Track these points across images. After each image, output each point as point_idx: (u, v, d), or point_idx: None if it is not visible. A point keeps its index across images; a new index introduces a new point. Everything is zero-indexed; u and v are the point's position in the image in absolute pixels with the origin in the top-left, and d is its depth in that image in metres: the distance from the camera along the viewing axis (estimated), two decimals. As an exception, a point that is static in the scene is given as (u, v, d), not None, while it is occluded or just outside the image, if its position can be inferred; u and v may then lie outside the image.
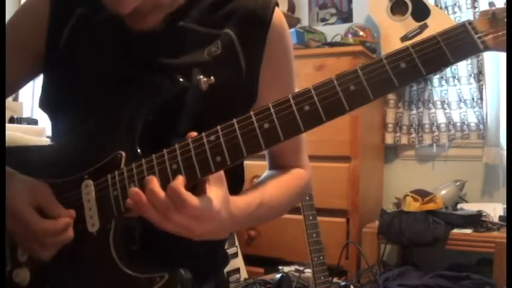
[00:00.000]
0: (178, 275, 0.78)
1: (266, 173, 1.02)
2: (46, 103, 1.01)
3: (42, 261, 0.84)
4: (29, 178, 0.86)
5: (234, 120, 0.75)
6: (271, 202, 0.91)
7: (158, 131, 0.87)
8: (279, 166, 1.02)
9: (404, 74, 0.72)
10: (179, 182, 0.74)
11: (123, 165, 0.82)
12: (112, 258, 0.80)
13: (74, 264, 0.84)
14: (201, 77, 0.86)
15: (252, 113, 0.75)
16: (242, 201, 0.84)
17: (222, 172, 0.77)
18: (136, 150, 0.84)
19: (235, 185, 1.04)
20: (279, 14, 0.97)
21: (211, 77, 0.87)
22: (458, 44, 0.72)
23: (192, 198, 0.73)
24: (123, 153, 0.83)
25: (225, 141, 0.75)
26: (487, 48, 0.72)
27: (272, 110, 0.74)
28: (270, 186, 0.94)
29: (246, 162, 1.07)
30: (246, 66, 0.93)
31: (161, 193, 0.74)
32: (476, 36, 0.72)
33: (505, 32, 0.71)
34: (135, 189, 0.75)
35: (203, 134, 0.76)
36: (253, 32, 0.94)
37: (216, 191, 0.76)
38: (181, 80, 0.86)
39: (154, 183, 0.75)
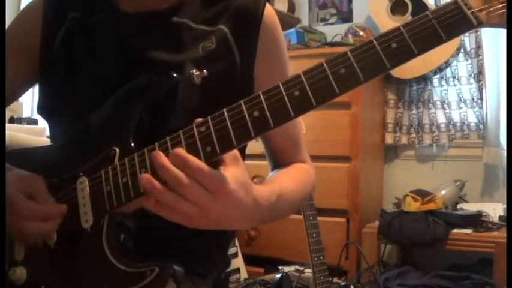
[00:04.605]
0: (170, 269, 0.77)
1: (273, 171, 1.01)
2: (44, 108, 1.02)
3: (38, 260, 0.84)
4: (23, 171, 0.87)
5: (224, 110, 0.75)
6: (288, 194, 0.89)
7: (153, 127, 0.87)
8: (282, 165, 1.02)
9: (395, 54, 0.70)
10: (179, 149, 0.72)
11: (116, 160, 0.83)
12: (104, 253, 0.80)
13: (69, 262, 0.84)
14: (194, 70, 0.86)
15: (242, 101, 0.74)
16: (266, 190, 0.81)
17: (237, 152, 0.75)
18: (130, 146, 0.84)
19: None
20: (270, 10, 0.99)
21: (204, 71, 0.86)
22: (451, 20, 0.70)
23: (197, 160, 0.71)
24: (117, 149, 0.84)
25: (215, 131, 0.74)
26: (480, 23, 0.70)
27: (262, 97, 0.73)
28: (283, 179, 0.92)
29: (246, 162, 1.07)
30: (241, 60, 0.94)
31: (170, 165, 0.71)
32: (470, 12, 0.69)
33: (499, 6, 0.70)
34: (146, 176, 0.72)
35: (194, 125, 0.76)
36: (246, 27, 0.95)
37: (231, 170, 0.74)
38: (174, 75, 0.86)
39: (163, 158, 0.71)
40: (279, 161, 1.03)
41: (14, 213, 0.80)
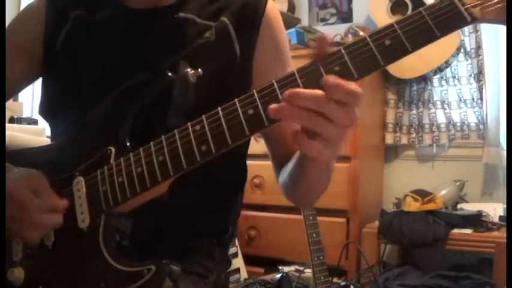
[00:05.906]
0: (166, 268, 0.78)
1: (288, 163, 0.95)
2: (45, 110, 1.02)
3: (35, 260, 0.84)
4: (25, 168, 0.87)
5: (219, 109, 0.75)
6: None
7: (149, 126, 0.87)
8: (286, 154, 0.97)
9: (389, 51, 0.70)
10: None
11: (112, 160, 0.83)
12: (101, 253, 0.80)
13: (66, 262, 0.84)
14: (188, 69, 0.86)
15: (236, 100, 0.74)
16: None
17: None
18: (126, 146, 0.84)
19: (237, 183, 1.04)
20: (272, 4, 0.99)
21: (199, 69, 0.86)
22: (445, 17, 0.69)
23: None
24: (113, 149, 0.84)
25: (210, 129, 0.74)
26: (474, 19, 0.69)
27: (256, 96, 0.73)
28: None
29: (246, 162, 1.07)
30: (240, 52, 0.94)
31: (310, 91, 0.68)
32: (464, 8, 0.69)
33: (493, 1, 0.69)
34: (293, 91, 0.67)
35: (188, 124, 0.76)
36: (248, 20, 0.96)
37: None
38: (168, 74, 0.86)
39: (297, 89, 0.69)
40: (290, 150, 0.97)
41: (25, 210, 0.80)
